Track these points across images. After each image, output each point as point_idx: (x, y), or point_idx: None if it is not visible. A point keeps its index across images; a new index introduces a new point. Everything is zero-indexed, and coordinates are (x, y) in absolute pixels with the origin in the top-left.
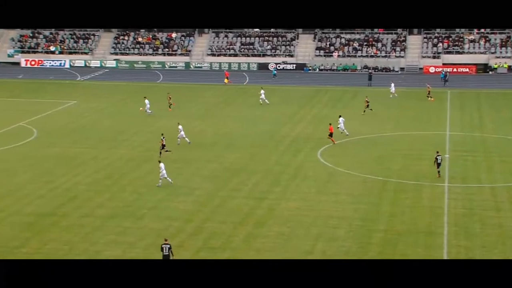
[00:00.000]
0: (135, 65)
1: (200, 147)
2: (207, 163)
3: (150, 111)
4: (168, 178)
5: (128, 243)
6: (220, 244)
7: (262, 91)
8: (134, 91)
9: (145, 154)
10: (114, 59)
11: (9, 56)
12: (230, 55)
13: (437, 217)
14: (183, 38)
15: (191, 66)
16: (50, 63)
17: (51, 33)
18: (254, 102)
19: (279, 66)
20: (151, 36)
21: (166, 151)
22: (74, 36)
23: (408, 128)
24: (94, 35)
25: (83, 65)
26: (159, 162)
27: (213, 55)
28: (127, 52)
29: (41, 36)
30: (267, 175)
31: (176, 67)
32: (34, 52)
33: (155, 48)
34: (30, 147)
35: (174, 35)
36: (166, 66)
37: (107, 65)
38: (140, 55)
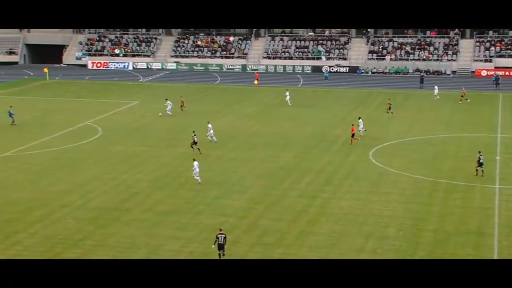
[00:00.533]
0: (194, 67)
1: (255, 147)
2: (262, 162)
3: (170, 113)
4: (198, 178)
5: (186, 238)
6: (274, 241)
7: (287, 93)
8: (193, 92)
9: (203, 152)
10: (175, 62)
11: (77, 58)
12: (285, 58)
13: (487, 218)
14: (240, 41)
15: (248, 69)
16: (114, 65)
17: (116, 37)
18: (307, 103)
19: (332, 69)
20: (209, 40)
21: (198, 148)
22: (138, 40)
23: (459, 130)
24: (156, 38)
25: (145, 67)
26: (194, 160)
27: (269, 57)
28: (186, 55)
29: (106, 40)
30: (319, 174)
31: (233, 69)
32: (100, 55)
33: (213, 51)
34: (95, 145)
35: (231, 38)
36: (224, 68)
37: (167, 67)
38: (199, 57)
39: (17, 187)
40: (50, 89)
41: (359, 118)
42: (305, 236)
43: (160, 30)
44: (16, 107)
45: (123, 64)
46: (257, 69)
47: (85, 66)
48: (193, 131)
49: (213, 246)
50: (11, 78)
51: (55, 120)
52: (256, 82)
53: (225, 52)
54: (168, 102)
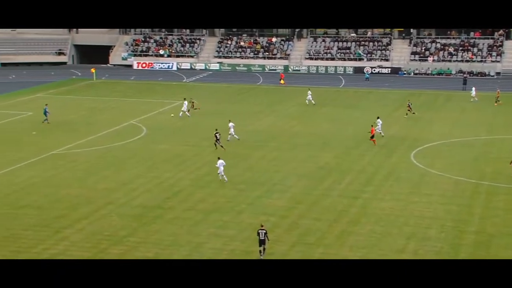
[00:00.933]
0: (237, 67)
1: (297, 147)
2: (303, 162)
3: (188, 114)
4: (224, 176)
5: (228, 236)
6: (315, 240)
7: (309, 92)
8: (235, 92)
9: (244, 152)
10: (218, 62)
11: (123, 59)
12: (327, 59)
13: None
14: (282, 42)
15: (290, 69)
16: (159, 65)
17: (161, 38)
18: (348, 103)
19: (374, 70)
20: (252, 41)
21: (216, 144)
22: (182, 41)
23: (501, 132)
24: (199, 39)
25: (189, 67)
26: (218, 158)
27: (311, 58)
28: (229, 55)
29: (152, 41)
30: (360, 174)
31: (275, 70)
32: (145, 56)
33: (256, 52)
34: (139, 143)
35: (274, 39)
36: (266, 69)
37: (211, 68)
38: (242, 58)
39: (65, 184)
40: (96, 89)
41: (378, 117)
42: (345, 236)
43: (204, 31)
44: (63, 106)
45: (168, 64)
46: (299, 70)
47: (130, 66)
48: (216, 129)
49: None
50: (59, 78)
51: (101, 119)
52: (282, 81)
53: (267, 53)
54: (185, 102)
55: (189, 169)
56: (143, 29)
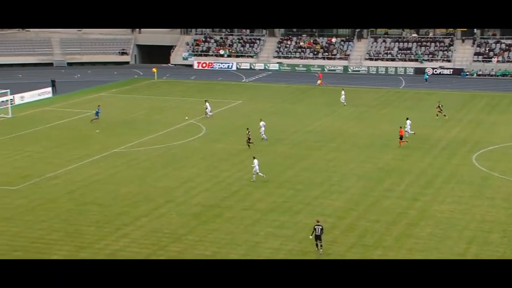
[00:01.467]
0: (296, 68)
1: (355, 148)
2: (362, 163)
3: (211, 113)
4: (260, 173)
5: (285, 236)
6: (373, 242)
7: (342, 92)
8: (294, 92)
9: (302, 152)
10: (277, 62)
11: (184, 59)
12: (387, 60)
13: None
14: (342, 42)
15: (349, 70)
16: (219, 65)
17: (221, 38)
18: (409, 105)
19: (435, 71)
20: (312, 41)
21: (249, 143)
22: (242, 41)
23: None
24: (259, 39)
25: (248, 67)
26: (254, 158)
27: (371, 59)
28: (289, 55)
29: (212, 41)
30: (420, 177)
31: (334, 70)
32: (206, 55)
33: (315, 52)
34: (199, 142)
35: (334, 40)
36: (325, 69)
37: (270, 68)
38: (301, 58)
39: (126, 182)
40: (157, 88)
41: (407, 119)
42: (404, 238)
43: (264, 31)
44: (125, 105)
45: (227, 64)
46: (358, 71)
47: (191, 66)
48: (247, 128)
49: (311, 236)
50: (122, 78)
51: (162, 118)
52: (319, 82)
53: (327, 53)
54: (207, 103)
55: (247, 168)
56: (204, 30)
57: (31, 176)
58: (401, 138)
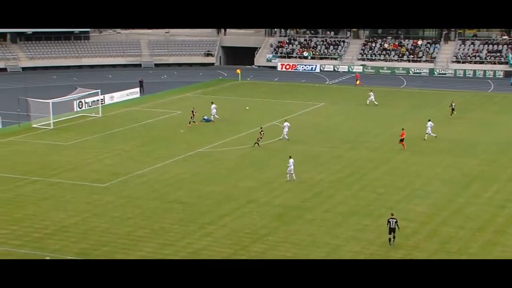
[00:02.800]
0: (380, 70)
1: (440, 152)
2: (446, 168)
3: (217, 116)
4: (293, 174)
5: (367, 240)
6: (457, 249)
7: (371, 93)
8: (378, 95)
9: (384, 155)
10: (361, 65)
11: (267, 60)
12: (475, 62)
13: None
14: (428, 45)
15: (435, 73)
16: (302, 67)
17: (305, 40)
18: (498, 109)
19: None
20: (397, 43)
21: (257, 143)
22: (326, 43)
23: None
24: (344, 41)
25: (332, 69)
26: (290, 157)
27: (458, 62)
28: (373, 58)
29: (296, 43)
30: (508, 183)
31: (420, 73)
32: (289, 57)
33: (400, 55)
34: (281, 144)
35: (419, 42)
36: (410, 72)
37: (354, 70)
38: (386, 61)
39: (210, 181)
40: (241, 89)
41: (429, 120)
42: (491, 246)
43: (348, 33)
44: (209, 106)
45: (311, 66)
46: (445, 73)
47: (275, 67)
48: (261, 127)
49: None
50: (207, 79)
51: (246, 119)
52: (358, 82)
53: (412, 56)
54: (214, 105)
55: (329, 170)
56: (288, 31)
57: (120, 174)
58: (401, 140)
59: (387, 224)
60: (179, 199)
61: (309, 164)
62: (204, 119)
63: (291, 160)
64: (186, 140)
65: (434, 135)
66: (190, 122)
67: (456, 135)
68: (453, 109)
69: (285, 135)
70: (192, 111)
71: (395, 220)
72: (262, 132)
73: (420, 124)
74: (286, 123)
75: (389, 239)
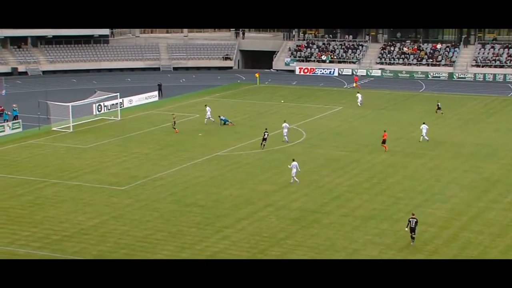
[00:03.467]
0: (399, 74)
1: (459, 156)
2: (466, 173)
3: (212, 119)
4: (294, 177)
5: (384, 245)
6: (477, 254)
7: (358, 94)
8: (397, 99)
9: (403, 160)
10: (380, 69)
11: (286, 64)
12: (495, 66)
13: None
14: (447, 49)
15: (454, 77)
16: (321, 71)
17: (323, 44)
18: None
19: None
20: (416, 47)
21: (262, 143)
22: (344, 46)
23: None
24: (362, 45)
25: (350, 73)
26: (293, 160)
27: (478, 66)
28: (392, 62)
29: (314, 46)
30: None
31: (439, 77)
32: (308, 61)
33: (419, 59)
34: (299, 147)
35: (439, 46)
36: (429, 76)
37: (372, 74)
38: (404, 65)
39: (227, 185)
40: (259, 93)
41: (423, 123)
42: (511, 251)
43: (367, 36)
44: (227, 110)
45: (329, 70)
46: (464, 77)
47: (293, 71)
48: (265, 129)
49: (406, 228)
50: (225, 82)
51: (263, 122)
52: (355, 85)
53: (431, 60)
54: (208, 108)
55: (347, 175)
56: (306, 35)
57: (138, 177)
58: (383, 142)
59: (407, 224)
60: (197, 203)
61: (328, 168)
62: (221, 119)
63: (294, 163)
64: (204, 143)
65: (427, 138)
66: (175, 128)
67: (476, 139)
68: (438, 108)
69: (285, 136)
70: (173, 117)
71: (415, 220)
72: (265, 133)
73: (439, 128)
74: (285, 124)
75: (411, 237)
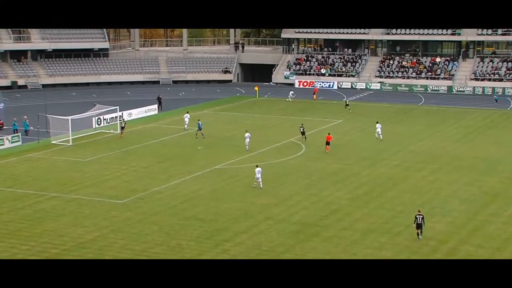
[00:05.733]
0: (398, 87)
1: (459, 170)
2: (465, 186)
3: (186, 127)
4: (260, 182)
5: (384, 258)
6: None
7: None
8: (396, 112)
9: (403, 173)
10: (379, 82)
11: (285, 77)
12: (494, 80)
13: None
14: (446, 62)
15: (454, 90)
16: (320, 84)
17: (322, 57)
18: None
19: None
20: (415, 61)
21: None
22: (343, 60)
23: None
24: (361, 59)
25: (349, 86)
26: (256, 166)
27: (477, 79)
28: (391, 75)
29: (313, 60)
30: None
31: (438, 90)
32: (307, 74)
33: (418, 72)
34: (298, 161)
35: (438, 59)
36: (428, 89)
37: (371, 87)
38: (404, 78)
39: (227, 198)
40: (259, 107)
41: (377, 122)
42: None
43: (366, 50)
44: (227, 123)
45: (328, 83)
46: (463, 91)
47: (292, 85)
48: (301, 124)
49: (414, 224)
50: (224, 95)
51: (262, 136)
52: (315, 97)
53: (430, 73)
54: (187, 115)
55: (347, 188)
56: (305, 48)
57: (137, 190)
58: (327, 143)
59: (414, 221)
60: (196, 216)
61: (327, 181)
62: (199, 124)
63: (258, 169)
64: (203, 156)
65: (381, 138)
66: (122, 133)
67: (476, 152)
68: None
69: (246, 146)
70: (122, 122)
71: (421, 216)
72: (302, 128)
73: (439, 141)
74: (247, 134)
75: (417, 234)
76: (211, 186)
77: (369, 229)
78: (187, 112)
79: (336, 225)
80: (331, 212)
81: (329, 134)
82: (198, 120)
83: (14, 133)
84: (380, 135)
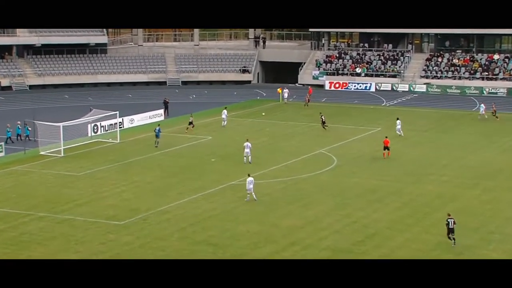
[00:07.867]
0: (447, 90)
1: None
2: None
3: (224, 124)
4: (253, 194)
5: None
6: None
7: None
8: (445, 119)
9: (453, 191)
10: (425, 83)
11: (314, 78)
12: None
13: None
14: (506, 59)
15: None
16: (354, 86)
17: (358, 54)
18: None
19: None
20: (468, 58)
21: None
22: (382, 57)
23: None
24: (404, 56)
25: (389, 88)
26: (248, 175)
27: None
28: (439, 75)
29: (347, 57)
30: None
31: (496, 93)
32: (339, 74)
33: (472, 72)
34: (329, 176)
35: (496, 56)
36: (484, 92)
37: (416, 90)
38: (455, 79)
39: (244, 219)
40: (283, 112)
41: (397, 118)
42: None
43: (409, 46)
44: (245, 131)
45: (365, 85)
46: None
47: (322, 86)
48: (320, 113)
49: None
50: (242, 99)
51: (287, 146)
52: (307, 99)
53: (486, 73)
54: (224, 111)
55: (386, 208)
56: (337, 44)
57: (139, 210)
58: (386, 148)
59: (446, 225)
60: (209, 240)
61: (363, 200)
62: (158, 131)
63: (250, 179)
64: (217, 170)
65: (402, 134)
66: (187, 128)
67: None
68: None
69: (244, 158)
70: (190, 117)
71: (453, 220)
72: (323, 117)
73: (497, 154)
74: (246, 143)
75: (453, 239)
76: (226, 206)
77: (413, 256)
78: (225, 108)
79: (374, 252)
80: (367, 236)
81: (386, 137)
82: (158, 125)
83: (7, 141)
84: (401, 132)
